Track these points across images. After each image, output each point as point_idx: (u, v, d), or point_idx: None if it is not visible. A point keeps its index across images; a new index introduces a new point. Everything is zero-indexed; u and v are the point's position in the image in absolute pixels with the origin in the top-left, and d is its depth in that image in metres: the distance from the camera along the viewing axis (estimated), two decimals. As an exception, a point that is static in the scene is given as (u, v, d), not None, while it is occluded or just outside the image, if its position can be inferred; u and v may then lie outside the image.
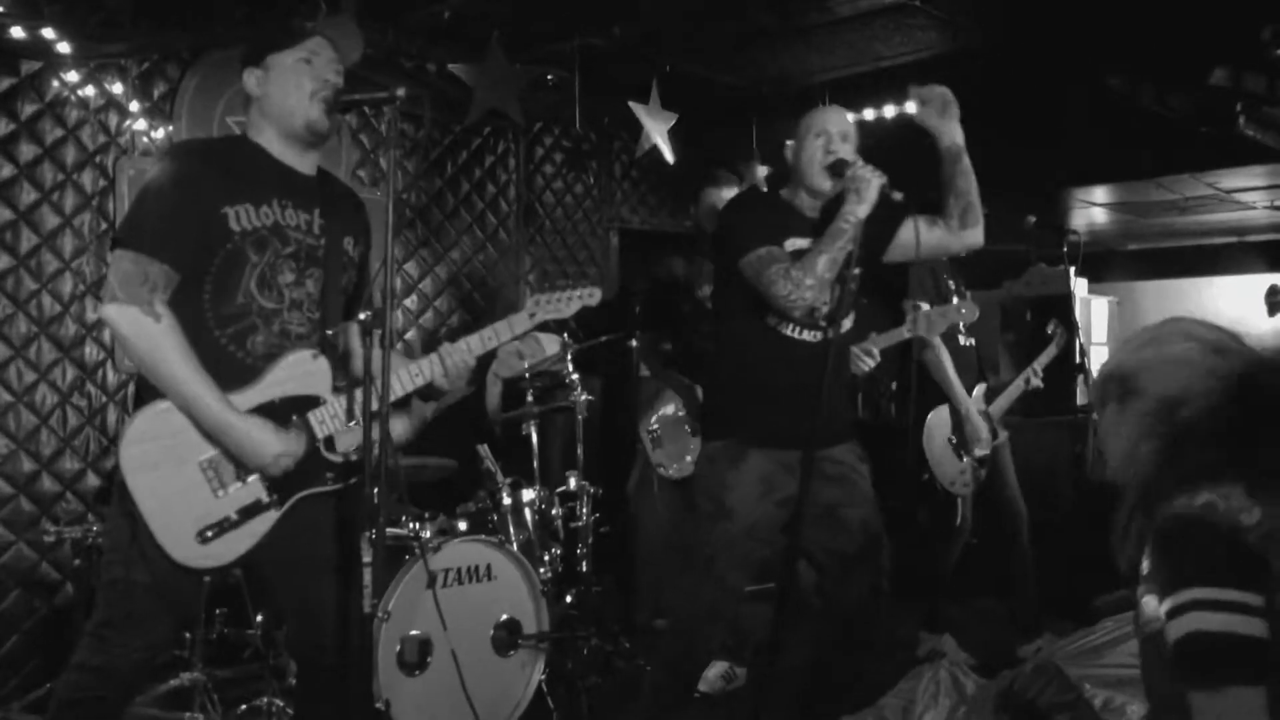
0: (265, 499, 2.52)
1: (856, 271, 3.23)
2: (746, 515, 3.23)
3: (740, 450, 3.25)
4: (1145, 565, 1.69)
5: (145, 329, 2.38)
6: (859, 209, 3.10)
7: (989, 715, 2.54)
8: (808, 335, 3.29)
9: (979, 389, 4.57)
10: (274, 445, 2.45)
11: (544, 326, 5.02)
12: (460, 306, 5.84)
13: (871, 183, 3.09)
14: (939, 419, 4.53)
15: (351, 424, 2.58)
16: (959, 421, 4.51)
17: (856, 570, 3.28)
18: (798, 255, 3.21)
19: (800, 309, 3.17)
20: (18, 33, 4.18)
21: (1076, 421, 4.83)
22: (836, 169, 3.21)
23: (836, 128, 3.33)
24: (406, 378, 2.66)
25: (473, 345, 2.73)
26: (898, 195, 3.09)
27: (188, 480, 2.44)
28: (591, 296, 2.93)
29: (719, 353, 3.52)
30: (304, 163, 2.66)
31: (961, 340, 4.58)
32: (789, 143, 3.39)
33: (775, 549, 3.29)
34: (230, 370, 2.47)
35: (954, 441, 4.51)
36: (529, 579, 3.92)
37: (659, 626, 5.11)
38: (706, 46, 5.28)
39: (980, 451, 4.52)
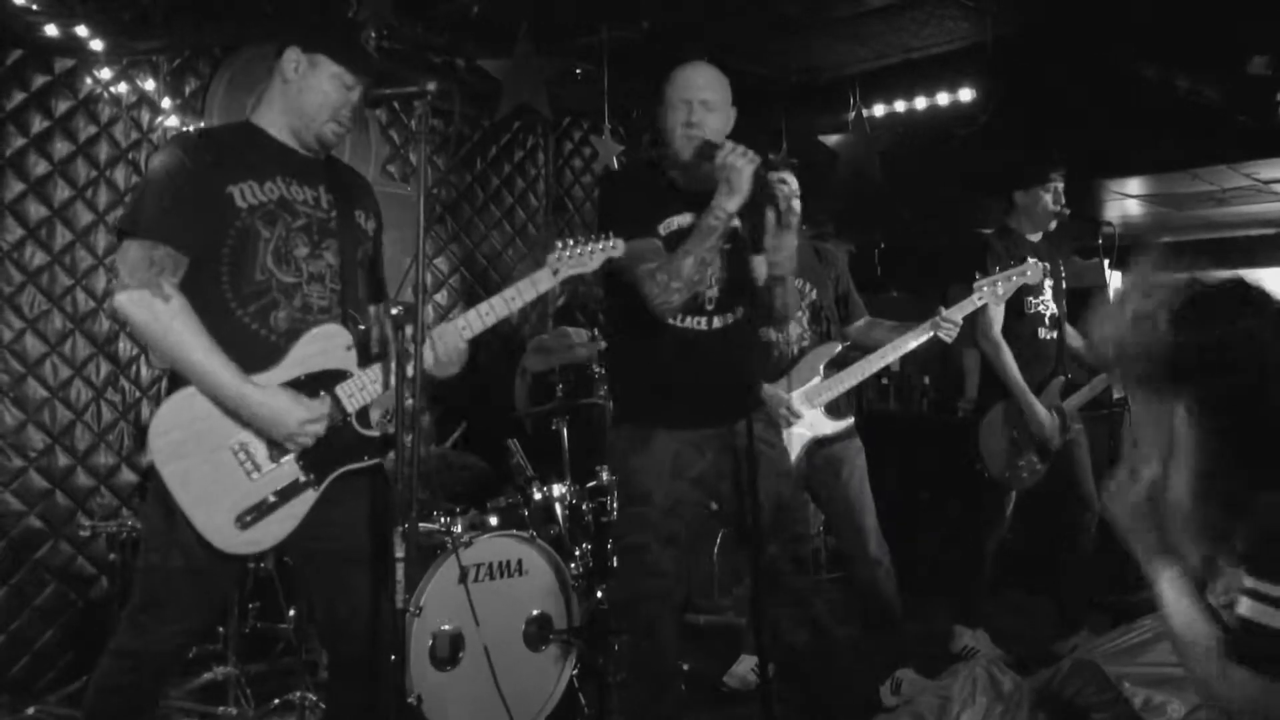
0: (302, 478, 2.51)
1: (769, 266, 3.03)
2: (662, 495, 3.05)
3: (645, 433, 3.08)
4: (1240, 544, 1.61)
5: (155, 311, 2.38)
6: (729, 202, 2.82)
7: (1026, 713, 2.51)
8: (692, 322, 3.06)
9: (1056, 382, 4.49)
10: (297, 412, 2.44)
11: (571, 319, 5.03)
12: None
13: (743, 171, 2.79)
14: (1001, 411, 4.46)
15: (383, 393, 2.57)
16: (1019, 415, 4.44)
17: (771, 543, 3.07)
18: (675, 238, 2.96)
19: (669, 312, 2.96)
20: (51, 30, 4.22)
21: (1113, 415, 4.77)
22: (704, 152, 2.90)
23: (699, 94, 2.99)
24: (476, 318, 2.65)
25: (495, 306, 2.68)
26: (777, 176, 2.84)
27: (220, 465, 2.43)
28: (615, 248, 2.80)
29: (611, 342, 3.39)
30: (305, 149, 2.66)
31: (1043, 334, 4.51)
32: (660, 108, 3.06)
33: (692, 525, 3.18)
34: (255, 350, 2.48)
35: (1016, 436, 4.45)
36: (560, 574, 3.91)
37: (692, 621, 5.12)
38: (735, 38, 5.26)
39: (1053, 445, 4.45)
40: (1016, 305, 4.42)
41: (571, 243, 2.75)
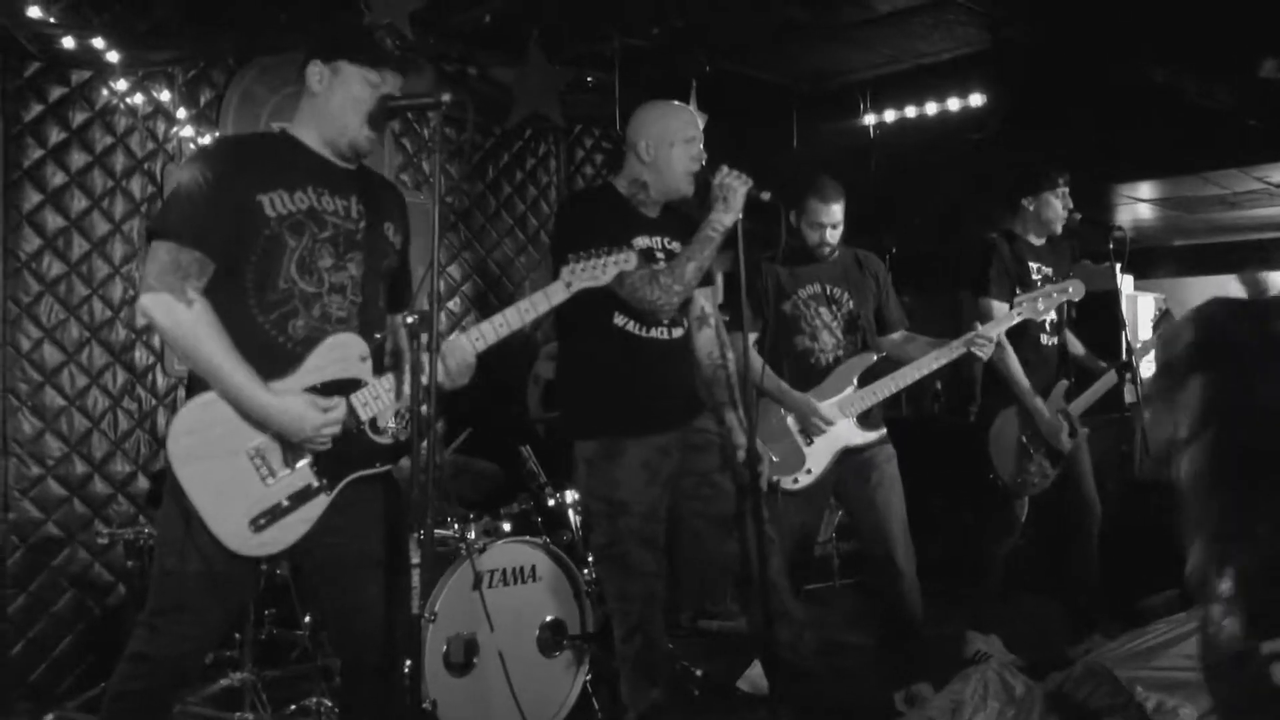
0: (315, 483, 2.53)
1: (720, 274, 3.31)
2: (641, 503, 3.24)
3: (617, 445, 3.24)
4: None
5: (177, 315, 2.42)
6: (726, 218, 3.16)
7: (1038, 717, 2.52)
8: (655, 333, 3.28)
9: (1060, 386, 4.48)
10: (313, 416, 2.47)
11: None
12: (503, 308, 5.85)
13: (739, 191, 3.14)
14: (1010, 417, 4.45)
15: (395, 402, 2.60)
16: (1029, 420, 4.43)
17: (736, 529, 3.34)
18: (646, 255, 3.20)
19: (668, 312, 3.22)
20: (68, 43, 4.27)
21: (1124, 420, 4.77)
22: (704, 175, 3.24)
23: (700, 132, 3.35)
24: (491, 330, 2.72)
25: (510, 319, 2.72)
26: (766, 195, 3.15)
27: (236, 469, 2.46)
28: (627, 262, 2.83)
29: (568, 354, 3.48)
30: (340, 159, 2.68)
31: (1044, 340, 4.49)
32: (642, 141, 3.31)
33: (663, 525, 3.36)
34: (273, 356, 2.50)
35: (1025, 440, 4.44)
36: (573, 580, 3.93)
37: (705, 627, 5.13)
38: (746, 44, 5.28)
39: (1065, 447, 4.44)
40: None
41: (585, 255, 2.77)
